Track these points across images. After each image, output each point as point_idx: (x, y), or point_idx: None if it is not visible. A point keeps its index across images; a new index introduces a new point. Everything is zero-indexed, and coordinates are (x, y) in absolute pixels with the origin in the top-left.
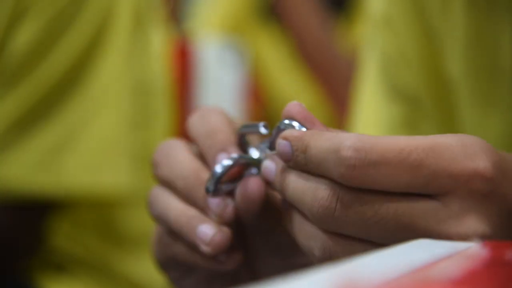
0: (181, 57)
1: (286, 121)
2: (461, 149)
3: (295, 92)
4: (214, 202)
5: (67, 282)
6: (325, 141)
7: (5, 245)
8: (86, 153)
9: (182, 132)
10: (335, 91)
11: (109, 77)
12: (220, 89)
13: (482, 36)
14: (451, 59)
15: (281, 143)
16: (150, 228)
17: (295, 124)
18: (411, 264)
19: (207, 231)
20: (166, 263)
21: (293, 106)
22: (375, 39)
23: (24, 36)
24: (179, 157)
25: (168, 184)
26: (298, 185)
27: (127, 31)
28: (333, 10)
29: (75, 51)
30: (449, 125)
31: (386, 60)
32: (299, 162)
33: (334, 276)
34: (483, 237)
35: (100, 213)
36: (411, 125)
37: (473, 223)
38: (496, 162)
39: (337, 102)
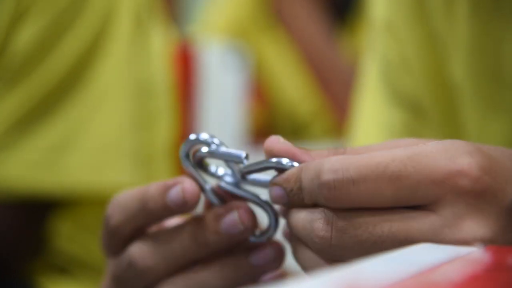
0: (183, 61)
1: (274, 159)
2: (442, 153)
3: (298, 97)
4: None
5: (69, 285)
6: (310, 170)
7: (7, 245)
8: (87, 152)
9: (184, 135)
10: (336, 98)
11: (110, 77)
12: (222, 93)
13: (485, 41)
14: (454, 64)
15: (272, 189)
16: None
17: (285, 161)
18: (414, 267)
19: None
20: None
21: (273, 142)
22: (377, 45)
23: (26, 36)
24: (124, 196)
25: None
26: (299, 220)
27: (128, 32)
28: (336, 19)
29: (77, 50)
30: (451, 130)
31: (387, 65)
32: (296, 200)
33: (337, 279)
34: (484, 241)
35: (101, 214)
36: (413, 131)
37: (471, 227)
38: (481, 162)
39: (338, 108)
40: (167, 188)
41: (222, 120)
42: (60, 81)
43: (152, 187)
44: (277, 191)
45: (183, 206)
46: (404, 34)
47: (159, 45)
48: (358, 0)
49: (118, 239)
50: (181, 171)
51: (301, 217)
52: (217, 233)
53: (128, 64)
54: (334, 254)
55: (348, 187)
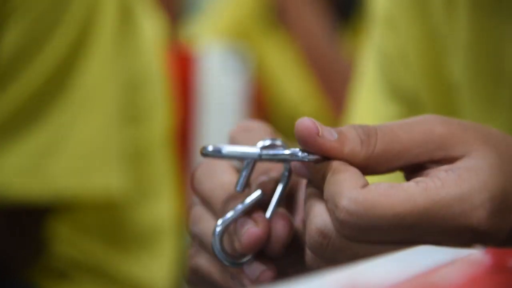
0: (184, 62)
1: (288, 152)
2: (458, 205)
3: (299, 99)
4: (250, 270)
5: None
6: (330, 189)
7: (2, 252)
8: (74, 156)
9: (185, 136)
10: (339, 99)
11: (97, 76)
12: (222, 95)
13: (485, 39)
14: (453, 61)
15: (297, 165)
16: (151, 228)
17: (301, 153)
18: (414, 269)
19: (254, 269)
20: (192, 277)
21: (303, 127)
22: (376, 38)
23: (9, 39)
24: (223, 178)
25: (207, 204)
26: (310, 200)
27: (113, 26)
28: (339, 20)
29: (61, 52)
30: None
31: (385, 59)
32: (316, 182)
33: (338, 280)
34: None
35: (99, 216)
36: None
37: None
38: (491, 213)
39: (339, 109)
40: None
41: (222, 122)
42: (45, 84)
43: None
44: (302, 169)
45: None
46: (403, 28)
47: (149, 34)
48: (361, 1)
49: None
50: (177, 162)
51: (314, 199)
52: None
53: (116, 60)
54: (324, 257)
55: (358, 231)
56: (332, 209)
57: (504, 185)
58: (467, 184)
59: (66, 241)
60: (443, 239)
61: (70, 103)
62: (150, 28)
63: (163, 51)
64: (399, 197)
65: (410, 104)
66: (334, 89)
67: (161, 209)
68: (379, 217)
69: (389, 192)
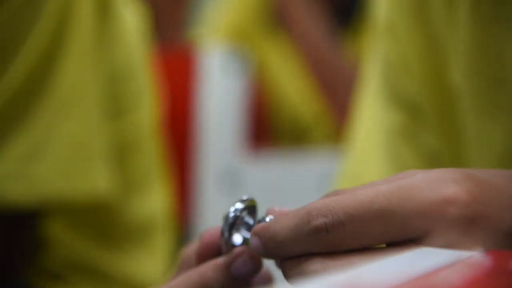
0: (185, 64)
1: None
2: (426, 184)
3: (299, 101)
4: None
5: None
6: (291, 219)
7: None
8: (58, 159)
9: (182, 134)
10: (339, 102)
11: (76, 73)
12: (223, 97)
13: (486, 45)
14: (455, 68)
15: (251, 240)
16: (144, 222)
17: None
18: (413, 271)
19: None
20: None
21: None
22: (379, 47)
23: None
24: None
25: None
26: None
27: (91, 21)
28: (339, 23)
29: (36, 53)
30: (450, 134)
31: (388, 67)
32: (271, 251)
33: (337, 282)
34: None
35: (91, 215)
36: (411, 134)
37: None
38: (469, 188)
39: (341, 112)
40: (228, 265)
41: (222, 124)
42: (23, 87)
43: (209, 270)
44: (255, 241)
45: (251, 275)
46: (404, 36)
47: (130, 25)
48: (362, 4)
49: None
50: (167, 152)
51: (292, 267)
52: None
53: (96, 54)
54: None
55: (339, 230)
56: (306, 233)
57: (481, 177)
58: (435, 172)
59: (60, 242)
60: (430, 225)
61: (51, 103)
62: (131, 18)
63: (147, 41)
64: (363, 190)
65: (412, 112)
66: (334, 91)
67: (152, 202)
68: (348, 207)
69: (355, 190)
